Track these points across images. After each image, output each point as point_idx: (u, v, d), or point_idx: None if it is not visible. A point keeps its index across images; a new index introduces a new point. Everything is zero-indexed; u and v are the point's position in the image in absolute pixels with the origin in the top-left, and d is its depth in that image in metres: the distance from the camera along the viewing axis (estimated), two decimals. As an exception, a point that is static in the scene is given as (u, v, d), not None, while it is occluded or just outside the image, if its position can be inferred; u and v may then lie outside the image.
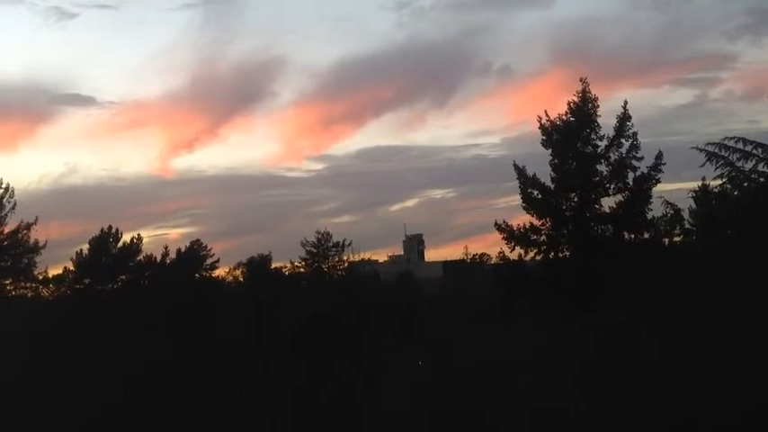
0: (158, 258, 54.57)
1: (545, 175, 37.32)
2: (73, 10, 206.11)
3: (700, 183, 37.20)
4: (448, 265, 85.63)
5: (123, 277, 52.49)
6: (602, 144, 36.73)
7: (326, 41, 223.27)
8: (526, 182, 37.47)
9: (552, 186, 37.13)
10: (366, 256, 68.18)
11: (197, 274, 57.40)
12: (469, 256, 74.30)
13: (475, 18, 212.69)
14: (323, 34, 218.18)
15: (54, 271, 50.80)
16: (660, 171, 35.98)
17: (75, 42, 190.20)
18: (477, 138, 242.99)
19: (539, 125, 37.37)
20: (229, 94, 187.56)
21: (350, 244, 63.03)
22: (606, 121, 36.84)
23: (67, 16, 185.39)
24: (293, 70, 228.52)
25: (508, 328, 38.85)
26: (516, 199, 38.31)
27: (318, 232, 63.44)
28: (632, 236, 36.67)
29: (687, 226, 37.92)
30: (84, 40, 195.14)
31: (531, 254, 37.29)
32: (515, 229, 37.31)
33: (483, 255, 74.56)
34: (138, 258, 53.27)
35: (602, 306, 32.91)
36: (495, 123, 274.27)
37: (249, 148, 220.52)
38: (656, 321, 31.04)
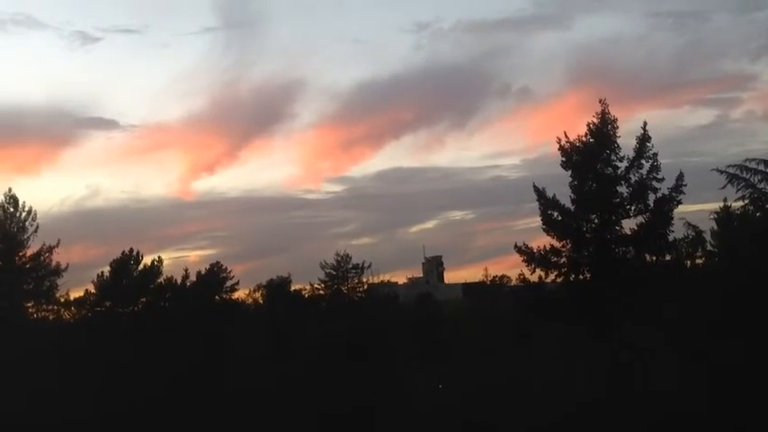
0: (178, 281, 54.82)
1: (565, 196, 37.11)
2: (96, 34, 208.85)
3: (721, 204, 37.01)
4: (468, 287, 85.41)
5: (144, 300, 52.71)
6: (623, 165, 36.48)
7: (346, 64, 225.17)
8: (546, 203, 37.27)
9: (572, 208, 36.90)
10: (385, 278, 68.38)
11: (217, 297, 57.53)
12: (489, 278, 74.19)
13: (494, 40, 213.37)
14: (343, 56, 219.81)
15: (75, 293, 51.20)
16: (681, 192, 35.67)
17: (99, 66, 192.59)
18: (496, 159, 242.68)
19: (558, 146, 37.20)
20: (250, 117, 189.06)
21: (369, 266, 63.17)
22: (626, 142, 36.63)
23: (91, 40, 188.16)
24: (313, 92, 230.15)
25: (529, 350, 38.69)
26: (536, 220, 38.11)
27: (338, 254, 63.59)
28: (654, 258, 36.34)
29: (709, 248, 37.65)
30: (107, 64, 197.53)
31: (552, 276, 36.99)
32: (535, 250, 37.06)
33: (503, 277, 74.46)
34: (159, 281, 53.50)
35: (624, 329, 32.69)
36: (514, 145, 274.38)
37: (269, 170, 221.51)
38: (679, 343, 30.77)
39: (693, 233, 34.54)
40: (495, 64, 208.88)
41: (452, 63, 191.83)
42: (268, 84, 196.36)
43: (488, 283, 73.29)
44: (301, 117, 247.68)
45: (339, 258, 63.12)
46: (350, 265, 63.08)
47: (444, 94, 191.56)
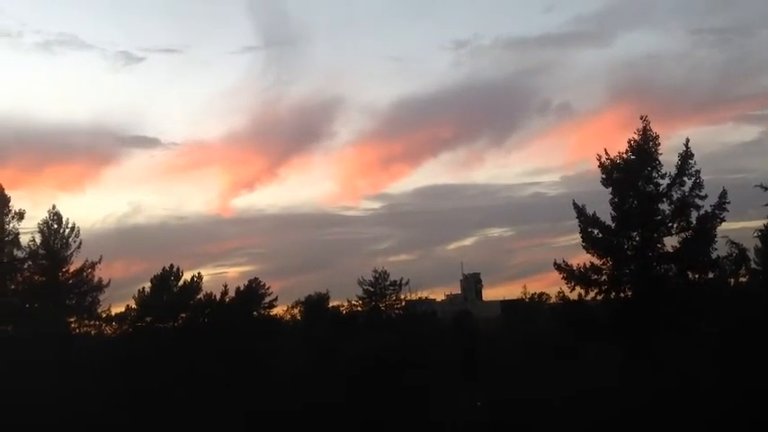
0: (218, 297, 55.18)
1: (605, 213, 36.82)
2: (139, 54, 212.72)
3: (765, 221, 36.36)
4: (506, 305, 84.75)
5: (184, 315, 53.13)
6: (664, 182, 36.10)
7: (385, 81, 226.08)
8: (586, 221, 37.00)
9: (613, 225, 36.57)
10: (423, 294, 67.75)
11: (255, 313, 57.79)
12: (528, 296, 73.47)
13: (533, 56, 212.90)
14: (382, 74, 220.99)
15: (117, 309, 51.71)
16: (724, 210, 35.15)
17: (141, 86, 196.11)
18: (535, 176, 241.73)
19: (598, 163, 36.96)
20: (289, 135, 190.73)
21: (407, 283, 62.84)
22: (668, 158, 36.26)
23: (134, 60, 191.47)
24: (352, 110, 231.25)
25: (569, 368, 38.29)
26: (576, 238, 37.84)
27: (376, 271, 63.49)
28: (696, 276, 35.83)
29: (753, 266, 37.00)
30: (149, 84, 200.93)
31: (592, 294, 36.66)
32: (575, 268, 36.79)
33: (542, 294, 73.71)
34: (199, 296, 53.90)
35: (665, 347, 32.23)
36: (553, 161, 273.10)
37: (307, 187, 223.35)
38: (722, 362, 30.25)
39: (737, 251, 34.01)
40: (535, 81, 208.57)
41: (491, 80, 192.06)
42: (307, 102, 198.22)
43: (527, 300, 72.62)
44: (340, 135, 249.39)
45: (377, 275, 63.06)
46: (387, 282, 62.93)
47: (483, 111, 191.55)
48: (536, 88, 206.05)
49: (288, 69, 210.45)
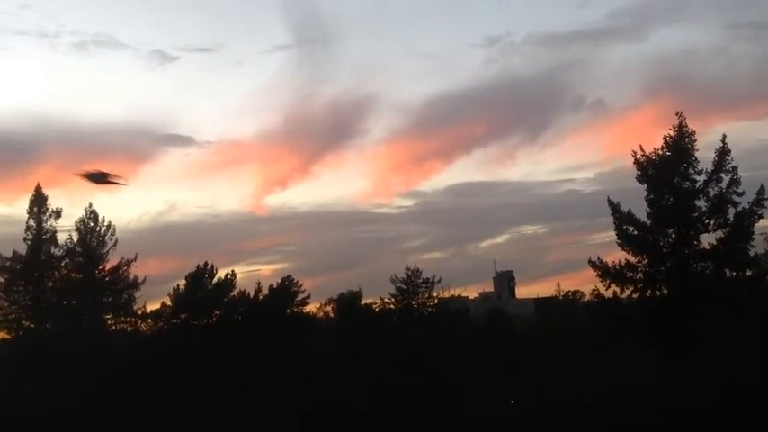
0: (251, 294, 55.43)
1: (641, 210, 36.50)
2: (173, 53, 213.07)
3: (805, 218, 35.77)
4: (540, 302, 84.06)
5: (218, 312, 53.46)
6: (701, 179, 35.71)
7: (417, 78, 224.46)
8: (621, 218, 36.71)
9: (648, 222, 36.25)
10: (456, 292, 67.26)
11: (288, 310, 57.99)
12: (562, 293, 72.83)
13: (567, 52, 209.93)
14: (414, 71, 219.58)
15: (152, 306, 52.17)
16: (763, 206, 34.69)
17: (176, 84, 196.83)
18: (569, 173, 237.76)
19: (634, 160, 36.65)
20: (322, 132, 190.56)
21: (440, 280, 62.56)
22: (704, 155, 35.84)
23: (169, 59, 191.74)
24: (384, 107, 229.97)
25: (604, 366, 37.93)
26: (611, 235, 37.56)
27: (408, 268, 63.25)
28: (733, 273, 35.36)
29: (793, 263, 36.43)
30: (184, 83, 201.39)
31: (627, 291, 36.38)
32: (610, 266, 36.53)
33: (576, 292, 73.02)
34: (232, 294, 54.20)
35: (703, 346, 31.83)
36: (588, 158, 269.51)
37: (340, 184, 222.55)
38: (763, 360, 29.80)
39: (775, 248, 33.56)
40: (569, 77, 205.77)
41: (524, 76, 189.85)
42: (340, 99, 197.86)
43: (561, 298, 72.04)
44: (373, 132, 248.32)
45: (409, 272, 62.91)
46: (420, 280, 62.78)
47: (516, 107, 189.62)
48: (570, 84, 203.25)
49: (320, 67, 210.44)
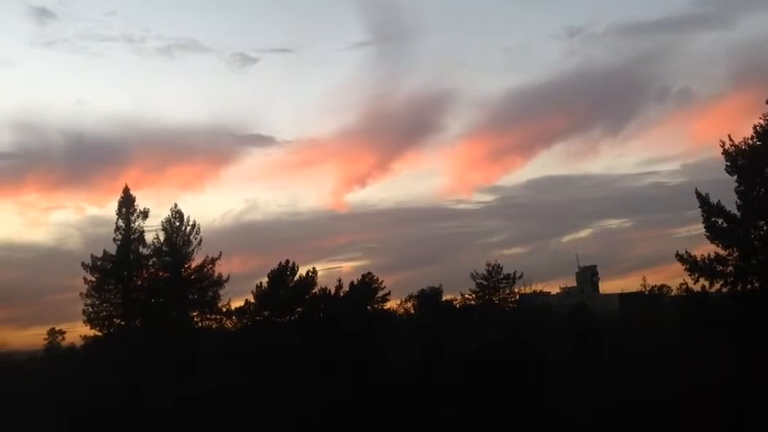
0: (332, 291, 55.88)
1: (730, 202, 35.34)
2: (254, 55, 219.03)
3: None
4: (625, 297, 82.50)
5: (300, 309, 54.06)
6: (794, 168, 34.35)
7: (496, 73, 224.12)
8: (710, 210, 35.63)
9: (738, 214, 35.06)
10: (537, 288, 66.69)
11: (369, 307, 58.25)
12: (648, 288, 71.26)
13: (650, 42, 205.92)
14: (493, 66, 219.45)
15: (236, 303, 53.14)
16: None
17: (256, 86, 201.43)
18: (654, 165, 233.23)
19: (722, 150, 35.52)
20: (400, 129, 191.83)
21: (521, 276, 61.98)
22: (797, 143, 34.44)
23: (249, 61, 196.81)
24: (463, 103, 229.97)
25: (692, 363, 36.89)
26: (699, 228, 36.52)
27: (489, 264, 62.88)
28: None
29: None
30: (264, 84, 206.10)
31: (717, 285, 35.32)
32: (699, 259, 35.50)
33: (663, 286, 71.50)
34: (314, 291, 54.75)
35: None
36: (673, 150, 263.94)
37: (419, 181, 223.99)
38: None
39: None
40: (652, 67, 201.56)
41: (606, 67, 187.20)
42: (418, 96, 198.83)
43: (647, 293, 70.49)
44: (452, 128, 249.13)
45: (490, 268, 62.47)
46: (501, 275, 62.27)
47: (598, 99, 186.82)
48: (653, 74, 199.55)
49: (398, 64, 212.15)
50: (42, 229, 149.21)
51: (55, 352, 66.95)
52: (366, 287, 58.24)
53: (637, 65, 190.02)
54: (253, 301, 53.12)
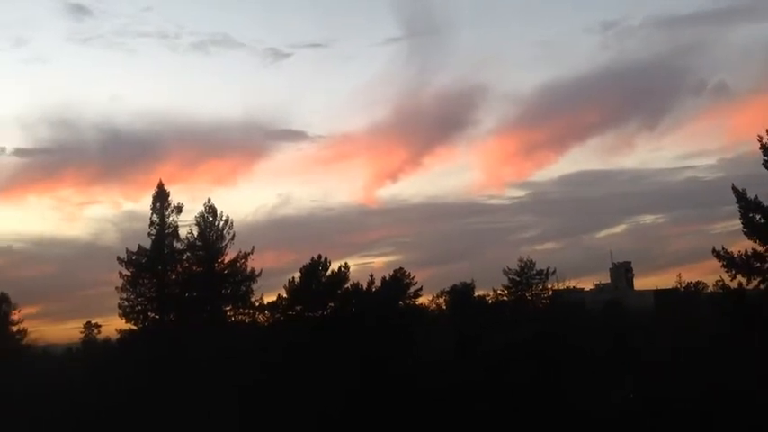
0: (364, 286, 55.92)
1: (768, 197, 34.78)
2: (286, 50, 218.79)
3: None
4: (660, 294, 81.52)
5: (332, 304, 54.17)
6: (834, 163, 33.71)
7: (529, 67, 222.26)
8: (747, 205, 35.10)
9: (777, 210, 34.49)
10: (571, 284, 66.06)
11: (401, 302, 58.20)
12: (683, 285, 70.23)
13: (686, 35, 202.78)
14: (525, 60, 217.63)
15: (269, 298, 53.32)
16: None
17: (289, 80, 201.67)
18: (690, 160, 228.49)
19: (760, 145, 34.98)
20: (432, 124, 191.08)
21: (554, 272, 61.55)
22: (837, 137, 33.78)
23: (282, 56, 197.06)
24: (495, 98, 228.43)
25: (729, 360, 36.44)
26: (736, 224, 36.01)
27: (521, 260, 62.53)
28: None
29: None
30: (296, 78, 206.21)
31: (755, 282, 34.80)
32: (736, 255, 34.99)
33: (698, 283, 70.49)
34: (346, 286, 54.82)
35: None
36: (710, 144, 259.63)
37: (451, 176, 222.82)
38: None
39: None
40: (688, 60, 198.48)
41: (641, 61, 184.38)
42: (450, 91, 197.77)
43: (682, 289, 69.46)
44: (484, 123, 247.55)
45: (522, 264, 62.13)
46: (533, 271, 61.91)
47: (633, 93, 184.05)
48: (689, 68, 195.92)
49: (431, 59, 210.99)
50: (78, 224, 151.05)
51: (91, 345, 67.87)
52: (398, 282, 58.22)
53: (673, 58, 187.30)
54: (285, 295, 53.31)
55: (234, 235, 51.49)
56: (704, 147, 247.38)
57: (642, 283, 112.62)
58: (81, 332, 71.75)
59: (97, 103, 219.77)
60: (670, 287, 73.73)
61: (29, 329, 49.72)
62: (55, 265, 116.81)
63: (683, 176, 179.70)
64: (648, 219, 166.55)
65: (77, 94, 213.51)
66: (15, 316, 49.25)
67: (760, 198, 34.91)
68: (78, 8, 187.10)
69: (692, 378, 37.59)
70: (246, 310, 52.08)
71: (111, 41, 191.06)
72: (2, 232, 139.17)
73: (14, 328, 49.08)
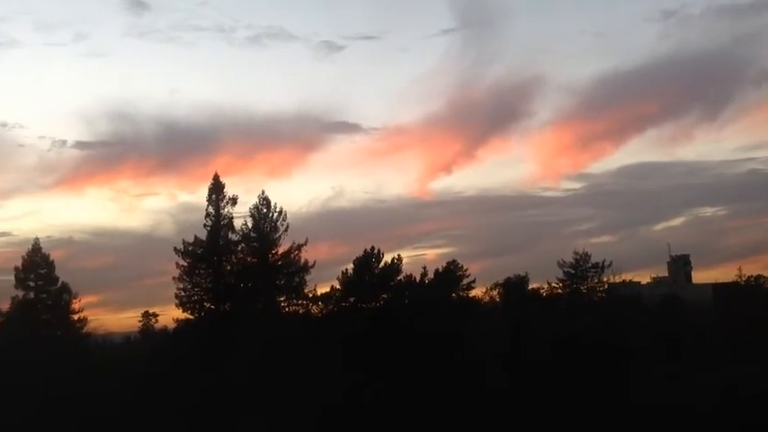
0: (417, 278, 55.88)
1: (833, 189, 33.65)
2: (340, 43, 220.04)
3: None
4: (719, 288, 79.79)
5: (385, 296, 54.26)
6: None
7: (586, 57, 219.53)
8: (811, 197, 34.05)
9: (842, 201, 33.36)
10: (627, 277, 65.01)
11: (454, 294, 58.03)
12: (744, 278, 68.61)
13: (749, 24, 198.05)
14: (582, 50, 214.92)
15: (322, 289, 53.65)
16: None
17: (343, 73, 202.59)
18: (751, 151, 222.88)
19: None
20: (486, 116, 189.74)
21: (610, 265, 60.56)
22: None
23: (336, 49, 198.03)
24: (551, 89, 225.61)
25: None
26: (799, 216, 34.93)
27: (576, 253, 61.71)
28: None
29: None
30: (350, 71, 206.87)
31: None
32: (798, 248, 34.02)
33: (759, 276, 68.87)
34: (399, 278, 54.84)
35: None
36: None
37: (506, 168, 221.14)
38: None
39: None
40: (750, 50, 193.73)
41: (701, 51, 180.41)
42: (505, 82, 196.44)
43: (743, 283, 67.87)
44: (539, 114, 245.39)
45: (578, 257, 61.34)
46: (589, 264, 61.05)
47: (692, 84, 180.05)
48: (751, 58, 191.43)
49: (485, 50, 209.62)
50: (137, 216, 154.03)
51: (148, 333, 69.21)
52: (451, 275, 58.12)
53: (734, 48, 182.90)
54: (338, 287, 53.58)
55: (288, 226, 52.07)
56: (765, 138, 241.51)
57: (701, 276, 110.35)
58: (139, 321, 73.38)
59: (155, 97, 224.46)
60: (730, 281, 72.21)
61: (89, 318, 50.88)
62: (114, 255, 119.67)
63: (743, 168, 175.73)
64: (708, 211, 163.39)
65: (136, 88, 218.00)
66: (76, 305, 50.38)
67: (825, 189, 33.85)
68: (137, 3, 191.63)
69: (747, 371, 36.77)
70: (300, 301, 52.56)
71: (169, 35, 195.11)
72: (63, 223, 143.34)
73: (75, 317, 50.25)
